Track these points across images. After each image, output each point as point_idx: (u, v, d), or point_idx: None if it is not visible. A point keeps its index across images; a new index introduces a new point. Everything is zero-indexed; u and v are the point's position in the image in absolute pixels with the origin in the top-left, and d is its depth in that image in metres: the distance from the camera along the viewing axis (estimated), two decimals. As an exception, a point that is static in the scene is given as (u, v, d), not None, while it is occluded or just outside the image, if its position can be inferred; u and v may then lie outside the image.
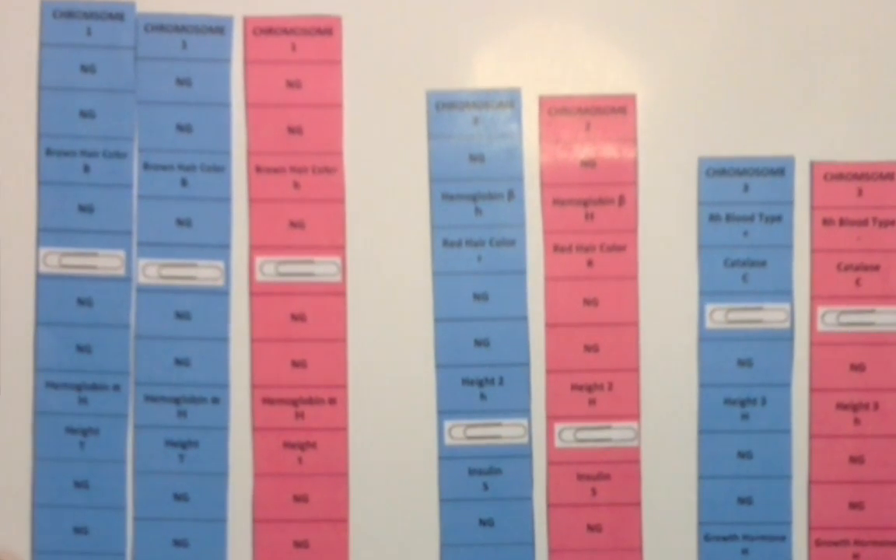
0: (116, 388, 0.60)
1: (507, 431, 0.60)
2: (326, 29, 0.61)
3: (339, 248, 0.60)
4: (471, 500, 0.60)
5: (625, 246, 0.60)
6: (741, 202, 0.60)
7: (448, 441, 0.60)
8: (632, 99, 0.61)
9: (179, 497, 0.60)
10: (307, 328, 0.60)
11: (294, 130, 0.61)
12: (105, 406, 0.60)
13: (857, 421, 0.60)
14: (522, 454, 0.60)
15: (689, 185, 0.60)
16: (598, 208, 0.60)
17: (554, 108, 0.61)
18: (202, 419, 0.60)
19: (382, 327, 0.60)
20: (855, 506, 0.60)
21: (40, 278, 0.60)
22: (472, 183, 0.60)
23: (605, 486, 0.60)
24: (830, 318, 0.60)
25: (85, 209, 0.60)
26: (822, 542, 0.60)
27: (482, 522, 0.60)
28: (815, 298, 0.60)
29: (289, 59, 0.61)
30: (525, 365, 0.60)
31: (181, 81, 0.60)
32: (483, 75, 0.61)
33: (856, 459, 0.60)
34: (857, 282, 0.60)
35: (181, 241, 0.60)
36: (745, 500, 0.60)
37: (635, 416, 0.60)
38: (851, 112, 0.60)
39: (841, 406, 0.60)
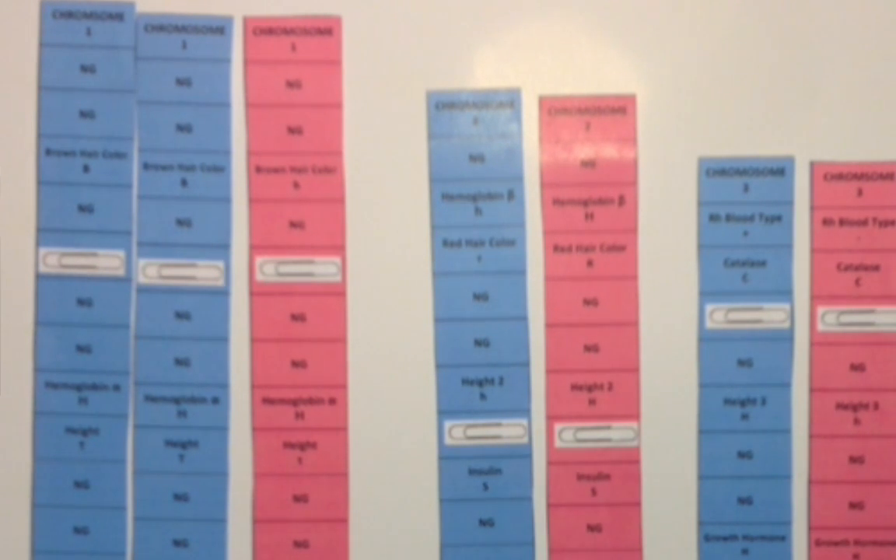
0: (116, 388, 0.60)
1: (507, 431, 0.60)
2: (326, 29, 0.61)
3: (339, 248, 0.60)
4: (471, 500, 0.60)
5: (625, 246, 0.60)
6: (741, 202, 0.60)
7: (448, 441, 0.60)
8: (632, 99, 0.61)
9: (179, 497, 0.60)
10: (307, 328, 0.60)
11: (294, 130, 0.61)
12: (105, 406, 0.60)
13: (857, 421, 0.60)
14: (522, 454, 0.60)
15: (689, 185, 0.60)
16: (598, 208, 0.60)
17: (554, 108, 0.61)
18: (202, 419, 0.60)
19: (382, 327, 0.60)
20: (855, 506, 0.60)
21: (40, 278, 0.60)
22: (472, 183, 0.60)
23: (605, 486, 0.60)
24: (830, 318, 0.60)
25: (85, 209, 0.60)
26: (822, 542, 0.60)
27: (482, 522, 0.60)
28: (815, 298, 0.60)
29: (289, 59, 0.61)
30: (525, 365, 0.60)
31: (181, 81, 0.61)
32: (483, 75, 0.61)
33: (856, 459, 0.60)
34: (857, 282, 0.60)
35: (181, 241, 0.60)
36: (745, 500, 0.60)
37: (635, 416, 0.60)
38: (851, 112, 0.60)
39: (841, 406, 0.60)
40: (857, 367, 0.60)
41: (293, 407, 0.60)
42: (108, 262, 0.60)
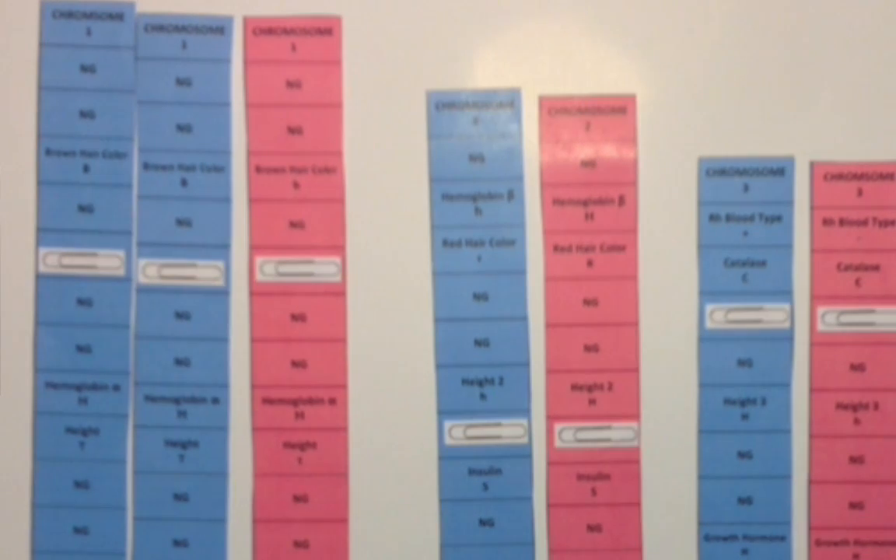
0: (116, 388, 0.60)
1: (507, 431, 0.60)
2: (326, 29, 0.61)
3: (339, 248, 0.60)
4: (471, 500, 0.60)
5: (625, 246, 0.60)
6: (741, 202, 0.60)
7: (448, 441, 0.60)
8: (632, 99, 0.61)
9: (179, 497, 0.60)
10: (307, 328, 0.60)
11: (294, 130, 0.61)
12: (105, 406, 0.60)
13: (857, 421, 0.60)
14: (522, 454, 0.60)
15: (689, 185, 0.60)
16: (598, 208, 0.60)
17: (554, 108, 0.61)
18: (202, 419, 0.60)
19: (382, 327, 0.60)
20: (855, 506, 0.60)
21: (40, 278, 0.60)
22: (472, 183, 0.60)
23: (605, 486, 0.60)
24: (830, 318, 0.60)
25: (85, 209, 0.60)
26: (822, 542, 0.60)
27: (482, 522, 0.60)
28: (815, 298, 0.60)
29: (289, 59, 0.61)
30: (525, 365, 0.60)
31: (181, 81, 0.61)
32: (483, 75, 0.61)
33: (856, 459, 0.60)
34: (857, 282, 0.60)
35: (181, 241, 0.60)
36: (745, 500, 0.60)
37: (635, 416, 0.60)
38: (851, 112, 0.60)
39: (841, 406, 0.60)
40: (857, 367, 0.60)
41: (293, 407, 0.60)
42: (108, 262, 0.60)
